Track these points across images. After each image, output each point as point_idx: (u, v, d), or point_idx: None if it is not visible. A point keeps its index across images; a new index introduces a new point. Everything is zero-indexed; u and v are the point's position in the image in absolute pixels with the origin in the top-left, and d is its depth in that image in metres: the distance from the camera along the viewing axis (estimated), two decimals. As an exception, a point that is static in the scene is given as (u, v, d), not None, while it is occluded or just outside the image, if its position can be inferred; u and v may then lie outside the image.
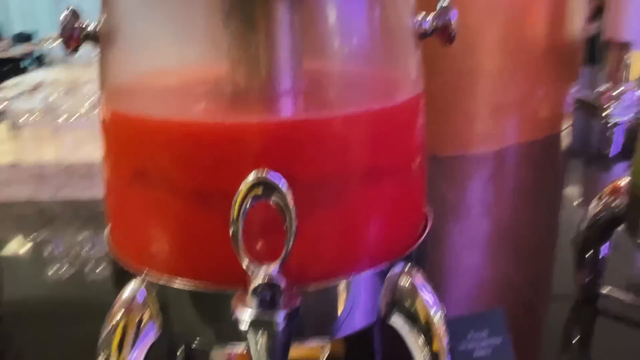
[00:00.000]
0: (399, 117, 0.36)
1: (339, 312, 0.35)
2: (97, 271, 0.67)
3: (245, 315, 0.29)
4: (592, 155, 1.15)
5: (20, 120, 0.79)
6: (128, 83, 0.35)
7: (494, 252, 0.72)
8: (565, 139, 1.18)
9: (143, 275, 0.35)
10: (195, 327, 0.34)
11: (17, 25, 5.07)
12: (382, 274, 0.36)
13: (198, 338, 0.35)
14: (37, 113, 0.79)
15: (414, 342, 0.37)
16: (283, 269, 0.30)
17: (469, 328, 0.44)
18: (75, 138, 0.80)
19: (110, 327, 0.34)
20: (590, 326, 0.56)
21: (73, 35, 0.35)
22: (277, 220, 0.30)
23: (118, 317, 0.34)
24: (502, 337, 0.43)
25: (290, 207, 0.29)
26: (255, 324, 0.29)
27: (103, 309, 0.35)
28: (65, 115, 0.80)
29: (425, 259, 0.43)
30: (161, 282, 0.34)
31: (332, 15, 0.34)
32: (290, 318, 0.29)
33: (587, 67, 1.39)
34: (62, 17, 0.35)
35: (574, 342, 0.54)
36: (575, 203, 0.91)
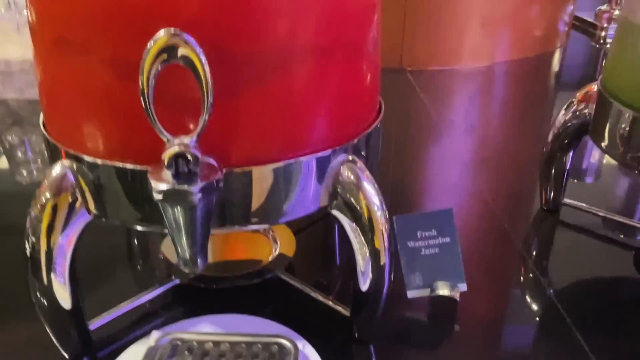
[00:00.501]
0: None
1: (279, 196, 0.34)
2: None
3: (161, 186, 0.28)
4: (585, 77, 1.11)
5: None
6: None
7: (470, 166, 0.70)
8: (559, 58, 1.14)
9: (70, 154, 0.33)
10: (124, 207, 0.33)
11: None
12: (324, 161, 0.35)
13: (128, 219, 0.34)
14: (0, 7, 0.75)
15: (355, 237, 0.37)
16: (210, 145, 0.29)
17: (418, 226, 0.43)
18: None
19: (39, 208, 0.33)
20: (550, 234, 0.56)
21: None
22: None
23: (46, 197, 0.33)
24: (450, 237, 0.43)
25: (204, 67, 0.27)
26: (170, 195, 0.28)
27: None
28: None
29: (377, 154, 0.41)
30: (88, 160, 0.32)
31: None
32: (207, 191, 0.28)
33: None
34: None
35: (531, 246, 0.53)
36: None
